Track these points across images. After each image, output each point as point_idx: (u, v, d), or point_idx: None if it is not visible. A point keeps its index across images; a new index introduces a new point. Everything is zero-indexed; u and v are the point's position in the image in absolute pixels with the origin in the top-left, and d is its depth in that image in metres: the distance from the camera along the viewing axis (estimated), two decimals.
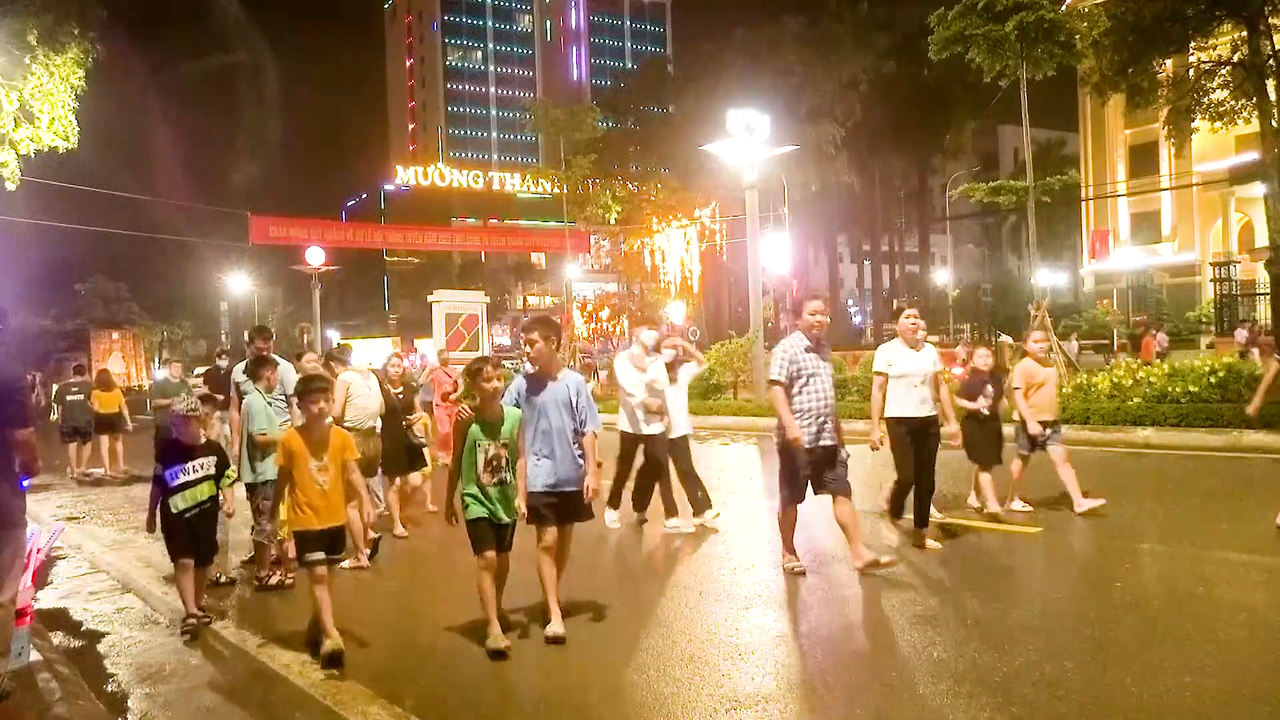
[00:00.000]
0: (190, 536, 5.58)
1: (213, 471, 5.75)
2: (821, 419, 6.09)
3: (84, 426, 14.52)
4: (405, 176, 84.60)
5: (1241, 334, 21.13)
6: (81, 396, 14.72)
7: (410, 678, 4.68)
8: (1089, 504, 7.57)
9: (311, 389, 5.13)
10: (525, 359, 5.49)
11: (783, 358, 6.15)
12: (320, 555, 5.01)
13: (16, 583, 4.50)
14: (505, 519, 5.01)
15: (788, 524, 6.30)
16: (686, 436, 8.20)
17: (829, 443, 6.09)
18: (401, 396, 8.67)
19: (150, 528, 5.59)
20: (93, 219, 38.61)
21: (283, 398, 7.33)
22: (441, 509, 6.33)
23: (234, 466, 6.06)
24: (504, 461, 4.96)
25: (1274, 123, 20.63)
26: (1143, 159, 40.04)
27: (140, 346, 55.22)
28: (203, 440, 5.82)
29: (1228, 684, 4.09)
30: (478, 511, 4.94)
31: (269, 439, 6.66)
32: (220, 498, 5.80)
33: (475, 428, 4.96)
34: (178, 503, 5.55)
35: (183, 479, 5.59)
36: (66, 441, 14.40)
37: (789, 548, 6.32)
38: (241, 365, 7.44)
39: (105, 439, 14.39)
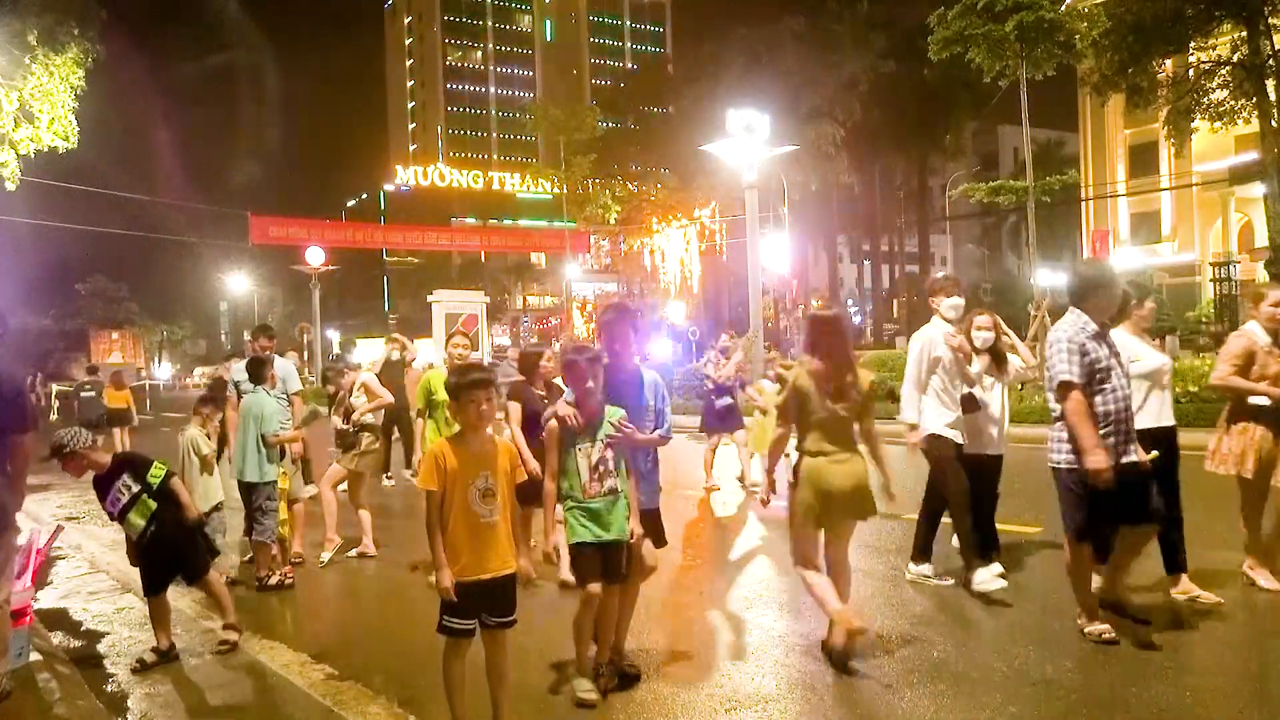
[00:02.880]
0: (150, 563, 5.01)
1: (136, 487, 4.97)
2: (1124, 426, 4.59)
3: (96, 420, 16.56)
4: (405, 176, 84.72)
5: None
6: (94, 393, 17.17)
7: (410, 678, 4.68)
8: None
9: (470, 382, 3.68)
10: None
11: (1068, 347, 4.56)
12: (470, 624, 3.63)
13: (9, 584, 4.49)
14: (615, 536, 4.12)
15: (1078, 571, 4.71)
16: (1002, 458, 6.00)
17: (1133, 458, 4.61)
18: (546, 400, 6.45)
19: (131, 559, 5.19)
20: (93, 219, 38.71)
21: (284, 396, 7.34)
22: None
23: (159, 463, 5.13)
24: (611, 465, 4.14)
25: (1274, 123, 20.67)
26: (1143, 159, 40.03)
27: (140, 346, 55.29)
28: (105, 460, 5.01)
29: (1228, 684, 4.10)
30: (581, 534, 4.11)
31: (281, 439, 6.65)
32: (176, 506, 5.02)
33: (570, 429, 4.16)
34: (136, 522, 4.95)
35: (123, 499, 4.97)
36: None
37: (1086, 607, 4.72)
38: (242, 364, 7.43)
39: (118, 431, 16.43)
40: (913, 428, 5.76)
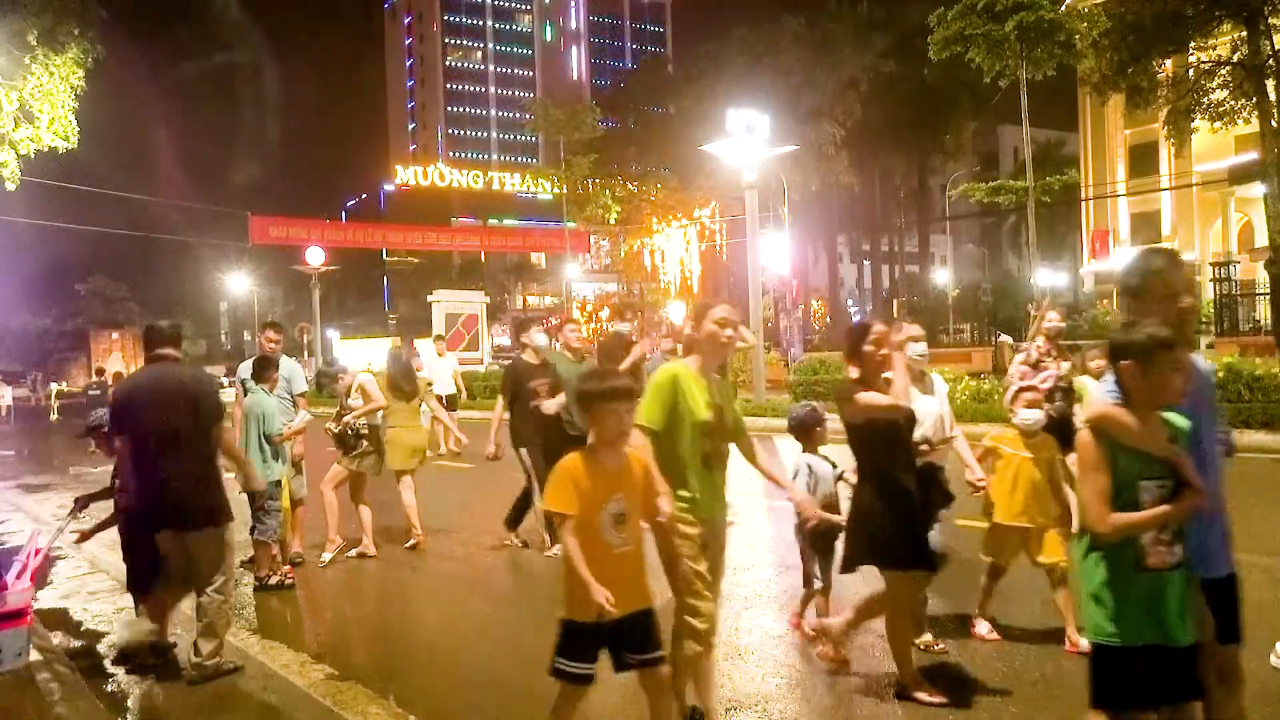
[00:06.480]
0: (134, 563, 5.04)
1: None
2: None
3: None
4: (405, 176, 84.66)
5: None
6: (100, 393, 18.40)
7: (410, 678, 4.68)
8: None
9: (607, 390, 3.11)
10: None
11: None
12: (589, 669, 3.15)
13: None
14: (1190, 639, 2.57)
15: None
16: None
17: None
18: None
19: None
20: (93, 219, 38.74)
21: (289, 396, 7.31)
22: None
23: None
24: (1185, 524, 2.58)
25: (1274, 123, 20.67)
26: (1143, 159, 40.03)
27: (140, 346, 55.31)
28: None
29: None
30: (1132, 632, 2.52)
31: (286, 437, 6.63)
32: None
33: (1113, 450, 2.58)
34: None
35: None
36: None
37: None
38: (248, 362, 7.36)
39: None
40: None
